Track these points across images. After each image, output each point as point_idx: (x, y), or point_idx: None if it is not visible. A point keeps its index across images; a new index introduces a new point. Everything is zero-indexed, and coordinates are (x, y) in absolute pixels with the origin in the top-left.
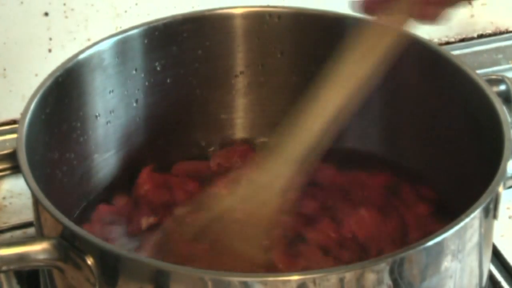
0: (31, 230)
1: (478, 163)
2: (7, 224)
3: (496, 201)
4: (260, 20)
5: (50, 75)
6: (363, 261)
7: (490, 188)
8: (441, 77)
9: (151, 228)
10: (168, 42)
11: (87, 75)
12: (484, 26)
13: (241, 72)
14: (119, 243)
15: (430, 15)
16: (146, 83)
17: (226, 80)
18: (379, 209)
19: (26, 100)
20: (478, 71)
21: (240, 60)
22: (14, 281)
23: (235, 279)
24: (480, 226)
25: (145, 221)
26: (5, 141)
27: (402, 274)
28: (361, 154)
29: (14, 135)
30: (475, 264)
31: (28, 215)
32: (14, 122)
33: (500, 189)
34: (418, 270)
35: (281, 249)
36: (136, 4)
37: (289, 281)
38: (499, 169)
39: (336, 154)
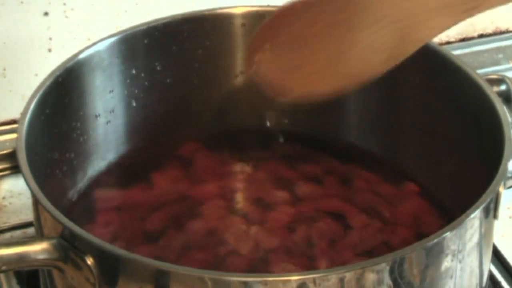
0: (31, 230)
1: (478, 163)
2: (7, 224)
3: (496, 201)
4: (260, 20)
5: (50, 75)
6: (363, 261)
7: (490, 188)
8: (441, 77)
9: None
10: (168, 42)
11: (87, 75)
12: (484, 26)
13: (241, 72)
14: (118, 242)
15: None
16: (146, 83)
17: (226, 80)
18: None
19: (26, 100)
20: (478, 71)
21: (240, 60)
22: (14, 281)
23: (235, 279)
24: (480, 226)
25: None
26: (5, 141)
27: (402, 274)
28: (360, 153)
29: (14, 135)
30: (475, 264)
31: (28, 215)
32: (14, 122)
33: (500, 189)
34: (418, 270)
35: None
36: (136, 4)
37: (289, 281)
38: (499, 169)
39: (335, 151)
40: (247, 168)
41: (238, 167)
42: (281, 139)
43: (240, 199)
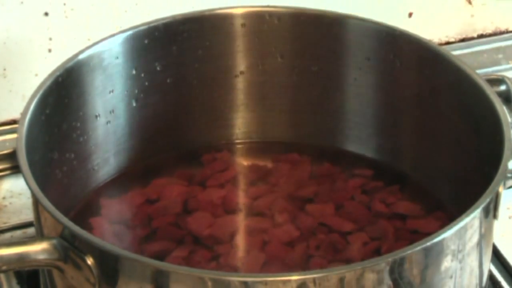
0: (31, 230)
1: (478, 163)
2: (7, 224)
3: (496, 201)
4: (260, 20)
5: (50, 75)
6: (363, 261)
7: (490, 188)
8: (441, 77)
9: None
10: (168, 42)
11: (87, 75)
12: (484, 26)
13: (241, 72)
14: (120, 242)
15: None
16: (146, 83)
17: (226, 80)
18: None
19: (26, 100)
20: (478, 71)
21: (240, 60)
22: (14, 281)
23: (235, 279)
24: (480, 226)
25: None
26: (5, 141)
27: (402, 274)
28: (359, 154)
29: (14, 135)
30: (475, 264)
31: (28, 215)
32: (14, 122)
33: (500, 189)
34: (418, 270)
35: None
36: (136, 4)
37: (289, 281)
38: (499, 169)
39: (333, 153)
40: (251, 174)
41: (240, 171)
42: None
43: (242, 207)
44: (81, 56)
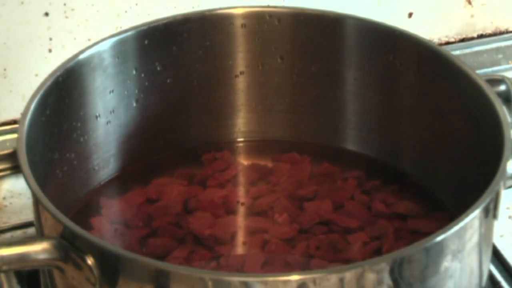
0: (31, 230)
1: (478, 163)
2: (7, 224)
3: (496, 201)
4: (260, 20)
5: (50, 75)
6: (363, 261)
7: (490, 188)
8: (441, 77)
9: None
10: (168, 42)
11: (87, 75)
12: (484, 26)
13: (241, 72)
14: (120, 242)
15: None
16: (146, 83)
17: (226, 80)
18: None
19: (26, 100)
20: (478, 71)
21: (240, 60)
22: (14, 281)
23: (235, 279)
24: (480, 226)
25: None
26: (5, 141)
27: (402, 274)
28: (359, 153)
29: (15, 135)
30: (475, 264)
31: (28, 215)
32: (14, 122)
33: (500, 189)
34: (418, 270)
35: None
36: (136, 4)
37: (289, 281)
38: (499, 169)
39: (333, 152)
40: (251, 173)
41: (241, 171)
42: None
43: (243, 207)
44: (81, 56)
